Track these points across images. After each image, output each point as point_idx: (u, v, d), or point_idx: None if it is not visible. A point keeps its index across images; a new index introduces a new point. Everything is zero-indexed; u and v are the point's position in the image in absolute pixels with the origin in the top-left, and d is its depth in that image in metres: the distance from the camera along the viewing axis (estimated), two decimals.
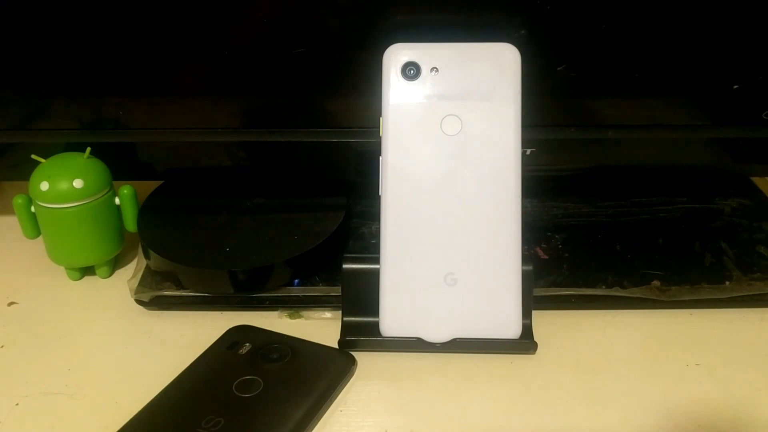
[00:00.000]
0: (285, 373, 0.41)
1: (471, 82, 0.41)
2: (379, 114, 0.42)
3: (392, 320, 0.42)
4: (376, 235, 0.45)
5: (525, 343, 0.42)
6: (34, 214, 0.48)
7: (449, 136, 0.41)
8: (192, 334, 0.45)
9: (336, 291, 0.46)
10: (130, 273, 0.50)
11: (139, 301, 0.47)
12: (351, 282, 0.44)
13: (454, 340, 0.42)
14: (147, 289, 0.47)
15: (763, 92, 0.46)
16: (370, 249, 0.50)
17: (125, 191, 0.49)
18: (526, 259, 0.42)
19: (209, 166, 0.51)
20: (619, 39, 0.44)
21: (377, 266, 0.42)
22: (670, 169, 0.51)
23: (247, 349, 0.43)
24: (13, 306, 0.48)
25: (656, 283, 0.47)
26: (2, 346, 0.45)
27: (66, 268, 0.50)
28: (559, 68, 0.45)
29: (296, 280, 0.47)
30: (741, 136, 0.48)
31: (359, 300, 0.43)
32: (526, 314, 0.43)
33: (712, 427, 0.38)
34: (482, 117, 0.41)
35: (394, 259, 0.42)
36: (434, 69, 0.41)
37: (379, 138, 0.42)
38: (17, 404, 0.40)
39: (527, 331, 0.43)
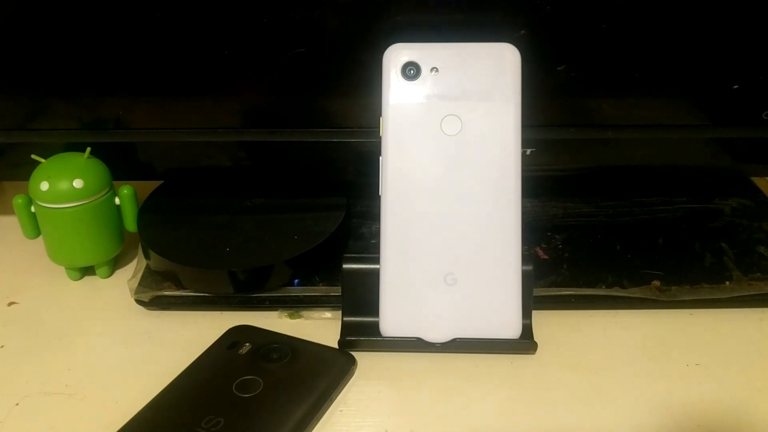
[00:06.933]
0: (285, 373, 0.41)
1: (471, 82, 0.41)
2: (379, 114, 0.42)
3: (392, 320, 0.42)
4: (376, 235, 0.45)
5: (525, 343, 0.42)
6: (34, 214, 0.48)
7: (449, 136, 0.41)
8: (192, 334, 0.45)
9: (336, 291, 0.46)
10: (130, 273, 0.50)
11: (139, 301, 0.47)
12: (351, 282, 0.44)
13: (454, 340, 0.42)
14: (147, 289, 0.47)
15: (763, 92, 0.46)
16: (370, 249, 0.50)
17: (125, 191, 0.49)
18: (526, 259, 0.42)
19: (209, 166, 0.51)
20: (619, 39, 0.44)
21: (377, 266, 0.42)
22: (670, 169, 0.51)
23: (247, 349, 0.43)
24: (13, 306, 0.48)
25: (656, 283, 0.47)
26: (2, 346, 0.45)
27: (66, 268, 0.50)
28: (559, 68, 0.45)
29: (296, 280, 0.47)
30: (741, 136, 0.48)
31: (359, 300, 0.43)
32: (526, 314, 0.43)
33: (712, 427, 0.38)
34: (482, 117, 0.41)
35: (394, 259, 0.42)
36: (434, 69, 0.41)
37: (379, 138, 0.42)
38: (17, 404, 0.40)
39: (527, 331, 0.43)
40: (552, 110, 0.47)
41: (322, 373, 0.41)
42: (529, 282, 0.42)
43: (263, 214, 0.50)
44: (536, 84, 0.43)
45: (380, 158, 0.42)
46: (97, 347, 0.45)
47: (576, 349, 0.44)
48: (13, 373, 0.43)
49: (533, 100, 0.43)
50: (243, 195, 0.51)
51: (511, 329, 0.42)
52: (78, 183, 0.46)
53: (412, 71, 0.41)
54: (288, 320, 0.46)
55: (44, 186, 0.46)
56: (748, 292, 0.46)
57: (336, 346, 0.43)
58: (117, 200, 0.49)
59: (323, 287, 0.47)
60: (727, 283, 0.47)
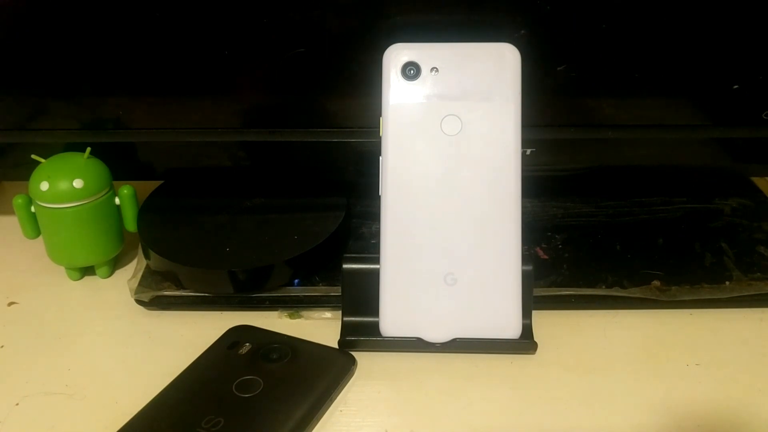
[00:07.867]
0: (285, 373, 0.41)
1: (471, 82, 0.41)
2: (379, 114, 0.42)
3: (392, 320, 0.42)
4: (376, 235, 0.45)
5: (525, 343, 0.42)
6: (34, 214, 0.48)
7: (449, 136, 0.41)
8: (192, 334, 0.45)
9: (336, 291, 0.46)
10: (130, 273, 0.50)
11: (139, 301, 0.47)
12: (351, 282, 0.44)
13: (454, 340, 0.42)
14: (147, 289, 0.47)
15: (763, 92, 0.46)
16: (370, 249, 0.50)
17: (125, 191, 0.49)
18: (526, 259, 0.42)
19: (209, 166, 0.51)
20: (619, 39, 0.44)
21: (377, 266, 0.42)
22: (670, 169, 0.51)
23: (247, 349, 0.43)
24: (13, 306, 0.48)
25: (656, 283, 0.47)
26: (2, 346, 0.45)
27: (66, 268, 0.50)
28: (559, 68, 0.45)
29: (296, 280, 0.47)
30: (741, 136, 0.48)
31: (359, 300, 0.43)
32: (526, 314, 0.43)
33: (712, 427, 0.38)
34: (482, 117, 0.41)
35: (394, 259, 0.42)
36: (434, 69, 0.41)
37: (379, 138, 0.42)
38: (17, 404, 0.40)
39: (527, 331, 0.43)
40: (552, 110, 0.47)
41: (322, 373, 0.41)
42: (529, 282, 0.42)
43: (263, 214, 0.50)
44: (536, 84, 0.43)
45: (380, 158, 0.42)
46: (97, 347, 0.45)
47: (576, 349, 0.44)
48: (13, 373, 0.43)
49: (533, 100, 0.43)
50: (243, 195, 0.51)
51: (511, 329, 0.42)
52: (78, 183, 0.46)
53: (412, 71, 0.41)
54: (288, 320, 0.46)
55: (44, 186, 0.46)
56: (748, 292, 0.46)
57: (336, 346, 0.43)
58: (117, 200, 0.49)
59: (323, 287, 0.47)
60: (727, 283, 0.47)
